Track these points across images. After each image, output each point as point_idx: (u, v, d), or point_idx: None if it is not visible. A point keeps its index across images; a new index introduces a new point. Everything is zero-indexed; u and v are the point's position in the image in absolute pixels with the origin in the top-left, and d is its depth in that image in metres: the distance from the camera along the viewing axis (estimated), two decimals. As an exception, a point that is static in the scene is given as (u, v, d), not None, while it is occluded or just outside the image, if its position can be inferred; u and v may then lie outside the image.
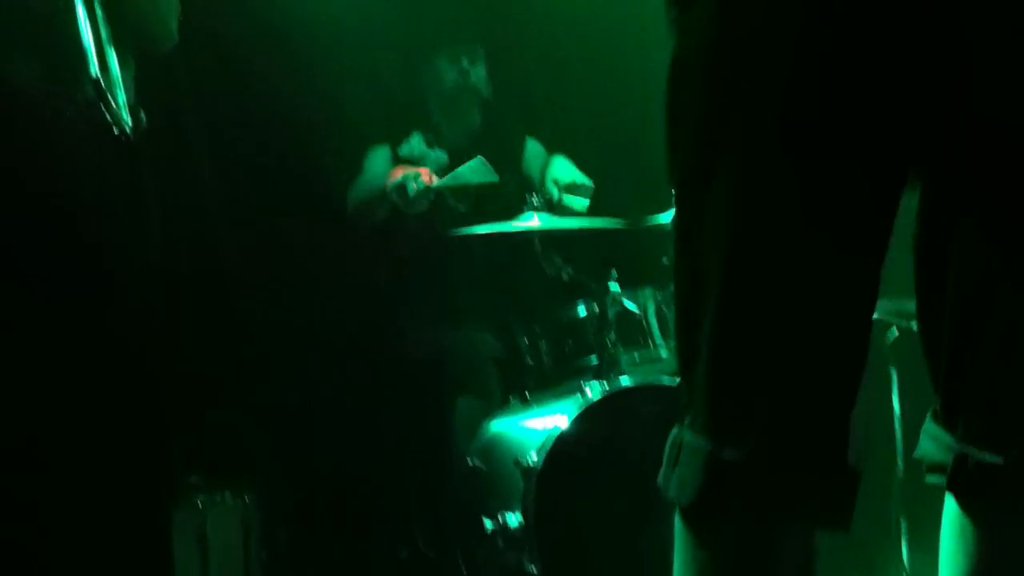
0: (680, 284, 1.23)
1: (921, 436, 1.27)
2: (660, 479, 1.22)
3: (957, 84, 1.13)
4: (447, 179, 3.41)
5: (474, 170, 3.39)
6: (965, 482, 1.20)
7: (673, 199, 1.23)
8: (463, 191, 3.47)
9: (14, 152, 2.32)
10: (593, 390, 2.85)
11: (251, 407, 3.55)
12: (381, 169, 3.62)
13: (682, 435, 1.20)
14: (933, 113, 1.15)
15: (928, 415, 1.23)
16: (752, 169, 1.14)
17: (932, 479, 1.23)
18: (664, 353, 3.16)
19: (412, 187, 3.33)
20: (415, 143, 3.62)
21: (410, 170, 3.41)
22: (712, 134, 1.17)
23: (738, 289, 1.15)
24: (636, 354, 3.13)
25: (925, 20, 1.12)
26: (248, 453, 3.39)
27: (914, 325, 1.29)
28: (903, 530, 3.01)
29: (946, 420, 1.22)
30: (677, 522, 1.22)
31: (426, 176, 3.35)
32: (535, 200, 3.13)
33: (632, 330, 3.14)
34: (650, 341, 3.16)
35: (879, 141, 1.14)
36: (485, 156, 3.71)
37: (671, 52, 1.22)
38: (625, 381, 2.90)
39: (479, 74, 3.75)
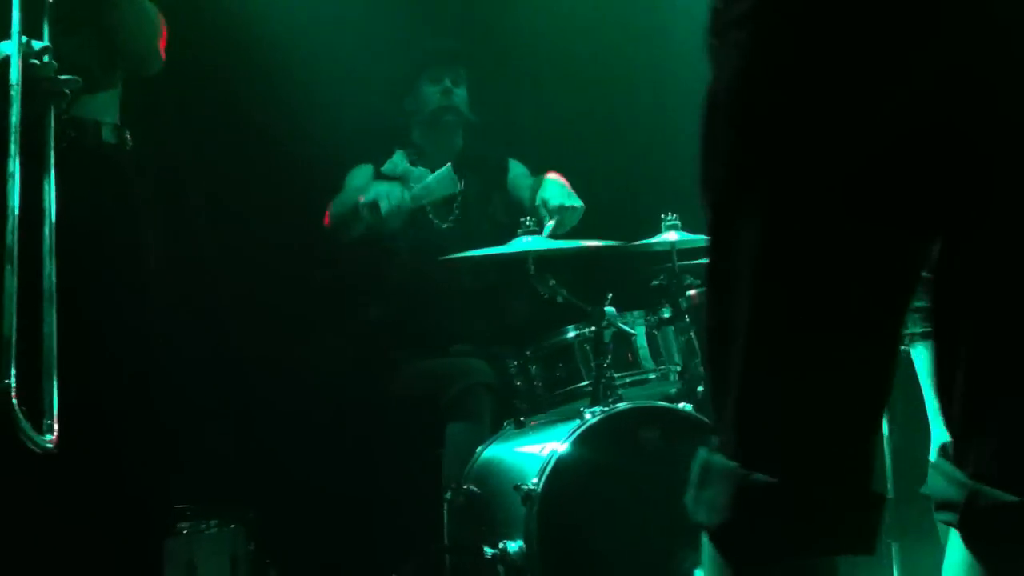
0: (711, 315, 1.23)
1: (929, 472, 1.24)
2: (688, 501, 1.22)
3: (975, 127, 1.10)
4: (417, 190, 3.45)
5: (440, 181, 3.45)
6: (977, 521, 1.15)
7: (707, 233, 1.23)
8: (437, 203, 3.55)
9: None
10: (591, 413, 2.82)
11: (241, 436, 3.51)
12: (361, 185, 3.60)
13: (712, 458, 1.20)
14: (960, 157, 1.12)
15: (936, 452, 1.29)
16: (780, 213, 1.14)
17: (942, 517, 1.19)
18: (653, 376, 3.15)
19: (384, 204, 3.35)
20: (398, 160, 3.60)
21: (384, 185, 3.43)
22: (741, 175, 1.17)
23: (766, 321, 1.16)
24: (627, 377, 3.11)
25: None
26: (236, 482, 3.34)
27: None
28: (894, 555, 3.00)
29: (958, 456, 1.18)
30: (706, 544, 1.21)
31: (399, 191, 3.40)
32: (528, 222, 3.10)
33: (621, 353, 3.13)
34: (640, 363, 3.14)
35: (910, 187, 1.13)
36: (468, 178, 3.70)
37: (708, 83, 1.20)
38: (623, 404, 2.88)
39: (461, 96, 3.76)
